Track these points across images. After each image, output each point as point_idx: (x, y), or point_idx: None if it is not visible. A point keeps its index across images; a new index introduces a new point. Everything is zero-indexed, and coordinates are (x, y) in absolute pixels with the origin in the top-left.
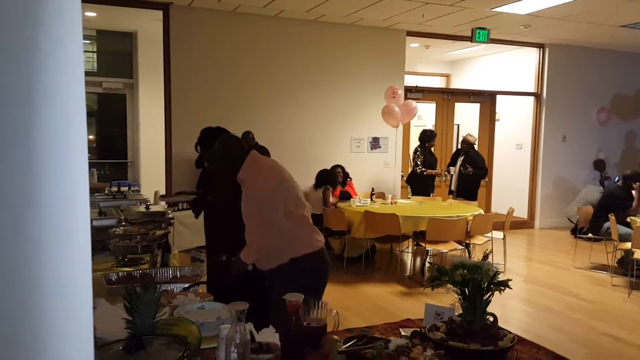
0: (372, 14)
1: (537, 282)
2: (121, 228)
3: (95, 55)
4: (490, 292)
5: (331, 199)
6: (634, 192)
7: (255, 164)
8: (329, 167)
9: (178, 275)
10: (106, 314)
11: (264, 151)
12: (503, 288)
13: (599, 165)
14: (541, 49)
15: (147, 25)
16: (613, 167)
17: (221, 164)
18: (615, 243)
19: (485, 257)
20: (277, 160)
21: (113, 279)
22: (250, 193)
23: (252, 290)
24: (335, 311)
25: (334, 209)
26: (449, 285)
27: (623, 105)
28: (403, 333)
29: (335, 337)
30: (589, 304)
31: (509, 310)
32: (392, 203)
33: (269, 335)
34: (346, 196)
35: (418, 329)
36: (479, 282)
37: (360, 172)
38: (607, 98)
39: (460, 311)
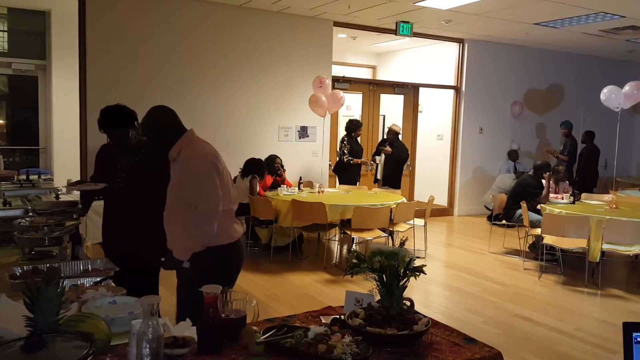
0: (298, 3)
1: (455, 267)
2: (27, 219)
3: (5, 34)
4: (406, 278)
5: (258, 188)
6: (544, 181)
7: (193, 144)
8: (256, 156)
9: (89, 269)
10: (8, 311)
11: None
12: (418, 274)
13: (512, 155)
14: (461, 44)
15: (62, 4)
16: (526, 157)
17: (152, 135)
18: (527, 229)
19: (402, 244)
20: None
21: (17, 274)
22: (182, 175)
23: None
24: (254, 302)
25: (261, 198)
26: (368, 272)
27: (535, 99)
28: (323, 321)
29: (255, 328)
30: (502, 287)
31: (430, 295)
32: (319, 192)
33: (185, 329)
34: (277, 186)
35: (338, 317)
36: (395, 268)
37: (288, 161)
38: (521, 92)
39: (379, 297)
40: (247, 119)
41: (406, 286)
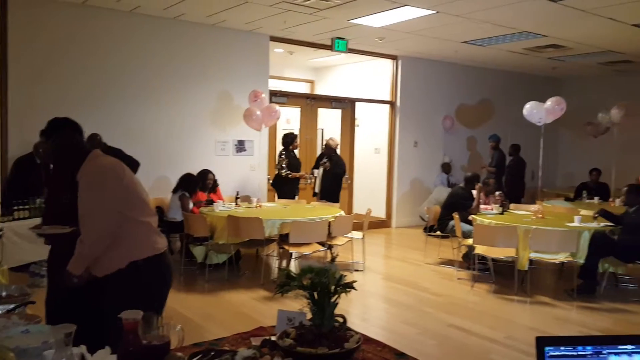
0: (234, 17)
1: (393, 278)
2: None
3: None
4: (337, 295)
5: (191, 204)
6: (474, 192)
7: (95, 162)
8: (192, 171)
9: (2, 295)
10: None
11: (116, 153)
12: (348, 290)
13: (445, 168)
14: (395, 61)
15: None
16: (459, 170)
17: (58, 159)
18: (459, 240)
19: (333, 260)
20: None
21: None
22: (86, 192)
23: (92, 307)
24: (179, 326)
25: (195, 215)
26: (298, 290)
27: (466, 114)
28: (254, 343)
29: (179, 354)
30: (437, 298)
31: (368, 308)
32: (257, 207)
33: (104, 358)
34: (211, 203)
35: (268, 338)
36: (326, 285)
37: (225, 175)
38: (452, 107)
39: (311, 315)
40: (182, 133)
41: (337, 303)
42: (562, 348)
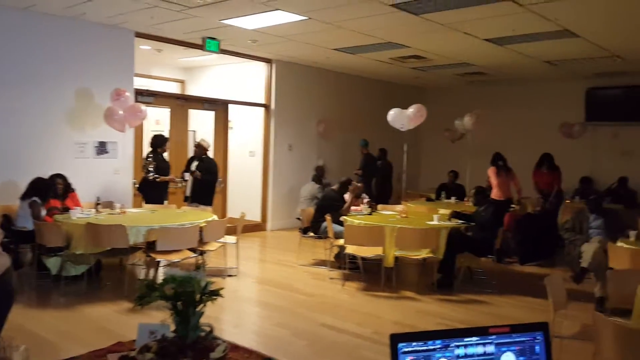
0: (95, 10)
1: (266, 281)
2: None
3: None
4: (202, 304)
5: (43, 212)
6: (346, 195)
7: None
8: (46, 175)
9: None
10: None
11: None
12: (215, 298)
13: (319, 171)
14: (269, 64)
15: None
16: (332, 173)
17: None
18: (332, 240)
19: (198, 267)
20: None
21: None
22: None
23: None
24: (24, 346)
25: (47, 223)
26: (160, 301)
27: (340, 119)
28: None
29: None
30: (309, 298)
31: (241, 314)
32: (120, 213)
33: None
34: (67, 210)
35: (127, 354)
36: (191, 294)
37: (85, 179)
38: (325, 112)
39: (174, 327)
40: (35, 133)
41: (203, 312)
42: (413, 343)
